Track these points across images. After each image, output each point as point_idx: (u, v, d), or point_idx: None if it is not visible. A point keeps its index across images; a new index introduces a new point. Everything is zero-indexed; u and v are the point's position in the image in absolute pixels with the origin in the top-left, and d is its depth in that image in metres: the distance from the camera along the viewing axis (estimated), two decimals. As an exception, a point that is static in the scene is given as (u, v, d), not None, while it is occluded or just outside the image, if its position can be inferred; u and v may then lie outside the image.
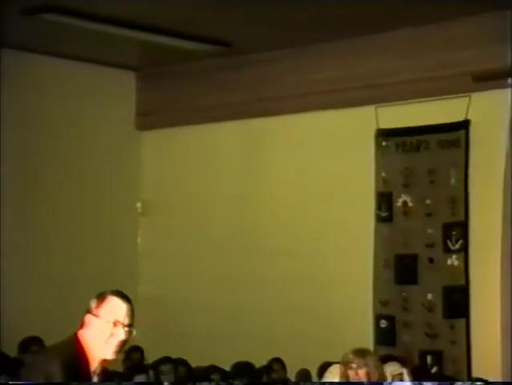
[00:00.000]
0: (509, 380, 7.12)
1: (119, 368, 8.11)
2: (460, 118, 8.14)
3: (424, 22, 8.04)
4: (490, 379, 7.31)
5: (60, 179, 9.34)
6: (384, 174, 8.61)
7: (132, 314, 4.27)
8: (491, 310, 7.76)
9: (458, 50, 8.01)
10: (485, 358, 7.85)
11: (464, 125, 8.14)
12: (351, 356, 5.98)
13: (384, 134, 8.58)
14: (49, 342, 6.16)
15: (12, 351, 7.69)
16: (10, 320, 8.11)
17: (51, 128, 9.29)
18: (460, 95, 8.06)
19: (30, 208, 9.24)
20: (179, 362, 8.37)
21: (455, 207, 8.22)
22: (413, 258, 8.40)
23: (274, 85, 9.12)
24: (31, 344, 7.69)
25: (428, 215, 8.36)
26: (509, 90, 7.86)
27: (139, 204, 9.91)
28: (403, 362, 7.34)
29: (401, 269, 8.46)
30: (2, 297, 8.18)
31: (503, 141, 7.82)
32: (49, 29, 8.27)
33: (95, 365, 4.21)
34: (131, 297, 10.67)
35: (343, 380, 6.11)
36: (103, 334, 4.15)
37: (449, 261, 8.23)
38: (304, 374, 8.10)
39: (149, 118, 9.91)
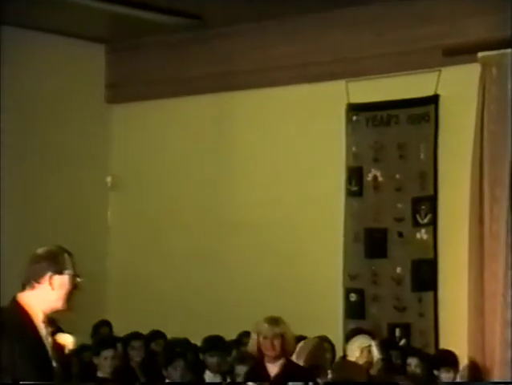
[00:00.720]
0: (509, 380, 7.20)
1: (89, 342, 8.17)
2: (430, 93, 8.19)
3: None
4: (456, 351, 7.48)
5: (28, 152, 9.25)
6: (354, 149, 8.64)
7: (74, 264, 4.36)
8: (459, 283, 7.86)
9: (428, 24, 8.03)
10: (453, 331, 7.94)
11: (433, 100, 8.18)
12: (266, 325, 5.93)
13: (354, 108, 8.60)
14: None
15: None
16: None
17: (19, 101, 9.17)
18: (430, 69, 8.11)
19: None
20: (150, 338, 8.34)
21: (424, 181, 8.27)
22: (383, 232, 8.46)
23: (245, 59, 9.09)
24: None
25: (398, 189, 8.40)
26: (478, 64, 7.81)
27: (109, 179, 9.86)
28: (372, 335, 7.48)
29: (371, 243, 8.51)
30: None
31: (472, 116, 7.86)
32: (17, 0, 8.21)
33: (40, 317, 4.29)
34: (101, 271, 10.42)
35: (255, 349, 6.03)
36: (42, 291, 4.27)
37: (418, 235, 8.28)
38: (245, 334, 7.95)
39: (119, 91, 9.85)
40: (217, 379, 7.54)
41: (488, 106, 7.82)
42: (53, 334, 4.36)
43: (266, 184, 9.09)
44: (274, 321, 5.97)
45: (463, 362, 7.52)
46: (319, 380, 6.77)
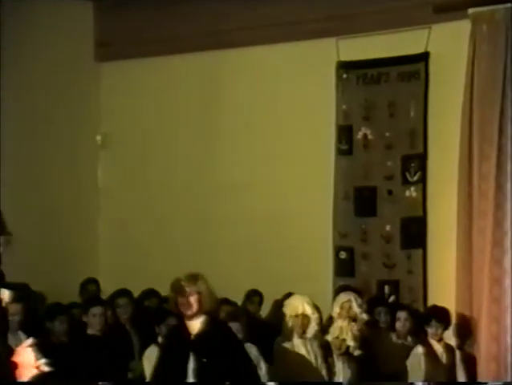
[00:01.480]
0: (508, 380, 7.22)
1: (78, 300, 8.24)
2: (420, 50, 8.20)
3: None
4: (445, 306, 7.55)
5: (19, 110, 9.16)
6: (344, 107, 8.65)
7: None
8: (447, 240, 7.94)
9: None
10: (441, 287, 8.01)
11: (424, 57, 8.20)
12: (183, 282, 5.78)
13: (344, 66, 8.61)
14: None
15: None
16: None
17: (9, 60, 9.02)
18: (420, 26, 8.11)
19: None
20: (143, 296, 8.34)
21: (414, 139, 8.32)
22: (372, 190, 8.50)
23: (234, 17, 9.05)
24: None
25: (388, 147, 8.45)
26: (468, 21, 7.81)
27: (99, 137, 9.85)
28: (358, 292, 7.60)
29: (360, 201, 8.55)
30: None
31: (462, 73, 7.89)
32: None
33: None
34: (91, 230, 10.33)
35: (173, 309, 5.90)
36: None
37: (408, 193, 8.33)
38: (253, 293, 8.33)
39: (108, 49, 9.79)
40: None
41: (478, 63, 7.83)
42: None
43: (255, 142, 9.09)
44: (191, 278, 5.79)
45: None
46: None
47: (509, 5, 7.72)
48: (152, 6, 9.47)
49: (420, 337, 7.47)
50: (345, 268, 8.62)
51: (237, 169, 9.13)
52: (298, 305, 7.09)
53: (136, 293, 8.31)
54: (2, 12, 9.15)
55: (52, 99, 9.44)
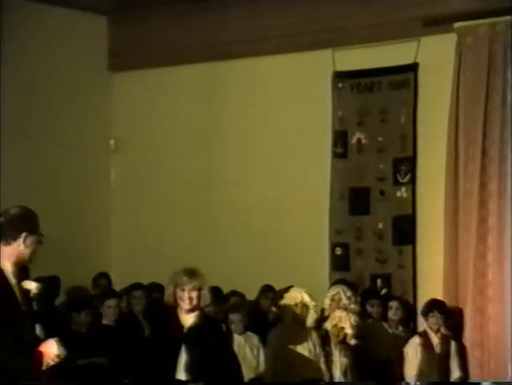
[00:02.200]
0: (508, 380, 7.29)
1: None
2: (409, 61, 8.25)
3: None
4: (432, 296, 7.65)
5: (36, 116, 9.20)
6: (340, 113, 8.70)
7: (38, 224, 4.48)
8: (435, 236, 7.99)
9: None
10: (429, 280, 8.06)
11: (413, 67, 8.27)
12: (184, 278, 5.65)
13: (340, 76, 8.65)
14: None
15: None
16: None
17: (28, 69, 9.13)
18: (410, 39, 8.16)
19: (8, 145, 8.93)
20: (151, 288, 8.42)
21: (404, 143, 8.37)
22: (366, 191, 8.55)
23: (237, 29, 9.08)
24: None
25: (380, 151, 8.49)
26: (455, 34, 7.91)
27: (112, 142, 9.86)
28: (351, 285, 7.64)
29: (355, 200, 8.59)
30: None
31: (449, 82, 7.94)
32: None
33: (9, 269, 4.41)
34: (104, 228, 9.66)
35: (171, 301, 5.72)
36: (16, 247, 4.42)
37: (398, 193, 8.38)
38: (267, 289, 8.27)
39: (121, 60, 9.81)
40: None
41: (463, 73, 7.90)
42: (20, 281, 4.50)
43: (256, 146, 9.12)
44: (193, 273, 5.67)
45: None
46: None
47: (491, 20, 7.78)
48: (161, 19, 9.48)
49: (416, 327, 7.66)
50: (340, 263, 8.66)
51: (240, 171, 9.15)
52: (297, 295, 7.08)
53: (146, 281, 8.33)
54: (14, 22, 9.01)
55: (68, 106, 9.47)
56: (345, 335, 7.17)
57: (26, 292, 4.53)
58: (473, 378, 7.62)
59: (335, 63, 8.61)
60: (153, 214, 9.58)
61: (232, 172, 9.19)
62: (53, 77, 9.35)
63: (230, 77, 9.24)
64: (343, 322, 7.10)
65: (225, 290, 8.40)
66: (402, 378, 7.44)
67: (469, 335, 7.76)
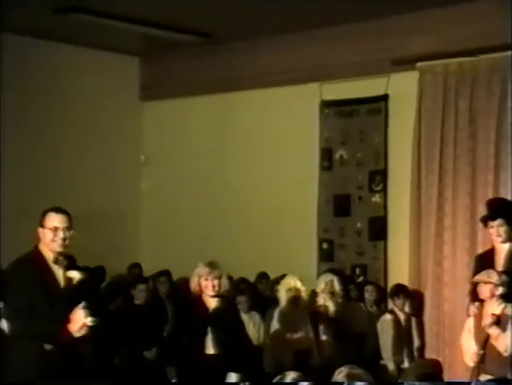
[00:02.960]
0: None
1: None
2: (381, 92, 8.37)
3: (355, 18, 8.18)
4: (399, 282, 7.74)
5: (80, 139, 9.37)
6: (326, 134, 8.81)
7: (66, 220, 4.59)
8: (402, 234, 8.10)
9: (381, 41, 8.21)
10: (397, 269, 8.17)
11: (384, 98, 8.39)
12: (207, 269, 5.67)
13: (326, 104, 8.77)
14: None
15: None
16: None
17: (74, 101, 9.29)
18: (382, 75, 8.27)
19: (59, 155, 9.10)
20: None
21: (378, 159, 8.46)
22: (347, 197, 8.64)
23: (241, 67, 9.17)
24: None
25: (358, 165, 8.60)
26: (416, 71, 7.99)
27: (142, 157, 10.00)
28: (339, 273, 7.83)
29: (338, 205, 8.69)
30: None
31: (413, 110, 8.04)
32: (72, 23, 8.34)
33: (51, 258, 4.57)
34: (135, 229, 9.74)
35: (196, 290, 5.73)
36: (49, 236, 4.59)
37: (373, 199, 8.47)
38: (263, 276, 8.51)
39: (150, 92, 9.97)
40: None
41: (424, 102, 8.00)
42: (68, 269, 4.64)
43: (259, 161, 9.21)
44: (213, 265, 5.72)
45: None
46: None
47: (445, 60, 7.83)
48: (183, 58, 9.56)
49: (386, 307, 7.69)
50: (326, 255, 8.75)
51: (246, 181, 9.24)
52: (291, 282, 7.25)
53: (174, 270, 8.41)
54: (64, 61, 9.06)
55: (106, 129, 9.60)
56: (328, 311, 7.25)
57: (70, 279, 4.63)
58: (429, 347, 7.66)
59: (322, 94, 8.73)
60: (176, 216, 9.65)
61: (240, 181, 9.26)
62: (95, 105, 9.49)
63: (238, 105, 9.35)
64: (328, 301, 7.28)
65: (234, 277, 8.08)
66: (375, 347, 7.41)
67: (429, 313, 7.83)
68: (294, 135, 8.96)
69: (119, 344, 7.29)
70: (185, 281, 6.52)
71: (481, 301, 5.90)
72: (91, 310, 4.54)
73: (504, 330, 5.71)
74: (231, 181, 9.37)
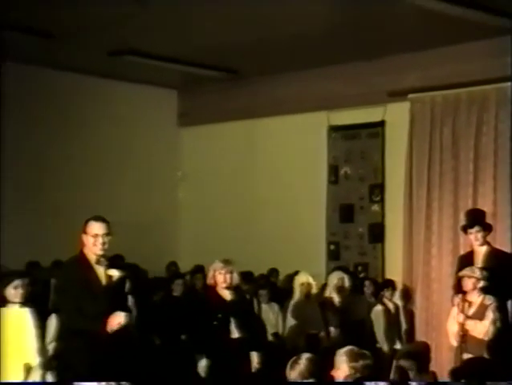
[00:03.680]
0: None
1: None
2: (379, 119, 8.45)
3: (357, 58, 8.25)
4: (396, 279, 7.76)
5: (127, 161, 9.40)
6: (333, 154, 8.91)
7: (104, 227, 4.54)
8: (397, 238, 8.19)
9: (379, 76, 8.29)
10: (393, 267, 8.25)
11: (381, 124, 8.48)
12: (221, 264, 5.62)
13: (333, 129, 8.86)
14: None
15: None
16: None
17: (125, 126, 9.38)
18: (379, 104, 8.36)
19: (103, 175, 9.11)
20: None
21: (376, 174, 8.56)
22: (351, 206, 8.73)
23: (263, 97, 9.24)
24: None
25: (360, 179, 8.68)
26: (408, 102, 8.02)
27: (179, 173, 10.06)
28: (346, 270, 7.92)
29: (343, 213, 8.78)
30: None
31: (405, 133, 8.14)
32: (122, 63, 8.41)
33: (93, 260, 4.56)
34: (174, 233, 9.68)
35: (211, 283, 5.64)
36: (90, 241, 4.59)
37: (373, 208, 8.55)
38: (273, 271, 8.63)
39: (186, 118, 10.03)
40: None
41: (414, 128, 8.07)
42: (108, 268, 4.62)
43: (278, 176, 9.24)
44: (227, 261, 5.67)
45: (399, 286, 7.91)
46: None
47: (432, 93, 7.89)
48: (214, 90, 9.59)
49: (379, 297, 7.63)
50: (334, 255, 8.81)
51: (268, 193, 9.28)
52: (303, 278, 7.40)
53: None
54: (119, 96, 9.14)
55: (149, 150, 9.69)
56: (334, 302, 7.30)
57: (110, 277, 4.61)
58: (419, 331, 7.60)
59: (330, 120, 8.79)
60: (208, 223, 9.73)
61: (261, 193, 9.33)
62: (141, 129, 9.65)
63: (259, 129, 9.42)
64: (334, 293, 7.34)
65: (255, 273, 8.47)
66: (372, 332, 7.36)
67: (419, 303, 7.89)
68: (306, 154, 9.02)
69: (160, 328, 7.26)
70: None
71: (464, 293, 6.01)
72: (125, 311, 4.53)
73: (482, 318, 5.81)
74: (256, 194, 9.38)
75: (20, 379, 4.75)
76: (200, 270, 8.26)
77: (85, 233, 4.64)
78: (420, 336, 7.67)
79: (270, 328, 7.27)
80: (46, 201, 8.53)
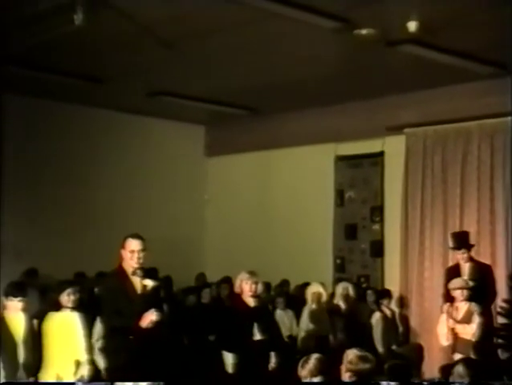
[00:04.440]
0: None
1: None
2: (379, 150, 8.49)
3: (360, 97, 8.27)
4: (393, 289, 7.81)
5: (161, 186, 9.41)
6: (339, 180, 8.93)
7: (140, 244, 4.50)
8: (394, 252, 8.21)
9: (378, 113, 8.33)
10: (391, 278, 8.25)
11: (381, 154, 8.51)
12: (247, 275, 5.57)
13: (339, 158, 8.88)
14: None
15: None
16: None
17: (157, 157, 9.41)
18: (379, 137, 8.40)
19: (144, 196, 9.15)
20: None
21: (377, 198, 8.57)
22: (355, 226, 8.74)
23: (279, 131, 9.29)
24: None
25: (363, 202, 8.70)
26: (404, 135, 8.14)
27: (206, 196, 10.10)
28: (353, 282, 8.05)
29: (348, 231, 8.79)
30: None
31: (402, 163, 8.20)
32: (156, 102, 8.45)
33: (130, 272, 4.55)
34: (202, 246, 9.76)
35: (238, 291, 5.58)
36: (128, 256, 4.58)
37: (374, 227, 8.57)
38: (285, 282, 8.55)
39: (212, 149, 10.12)
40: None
41: (410, 159, 8.14)
42: (143, 278, 4.60)
43: (290, 198, 9.25)
44: (252, 272, 5.64)
45: (395, 295, 7.93)
46: None
47: (425, 128, 7.94)
48: (234, 125, 9.63)
49: (378, 305, 7.66)
50: (340, 268, 8.81)
51: (282, 213, 9.29)
52: (314, 287, 7.46)
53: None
54: (153, 132, 9.16)
55: (181, 175, 9.68)
56: (341, 309, 7.39)
57: (145, 286, 4.60)
58: (413, 334, 7.64)
59: (336, 151, 8.82)
60: (232, 237, 9.70)
61: (278, 213, 9.34)
62: (173, 159, 9.63)
63: (276, 158, 9.45)
64: (340, 301, 7.43)
65: (272, 283, 8.51)
66: (371, 335, 7.29)
67: (413, 309, 7.93)
68: (316, 180, 9.06)
69: (190, 330, 7.33)
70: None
71: (452, 301, 6.09)
72: (158, 310, 4.53)
73: (469, 322, 5.90)
74: (271, 214, 9.44)
75: (71, 373, 4.87)
76: (226, 281, 8.24)
77: (123, 248, 4.68)
78: (414, 338, 7.74)
79: (284, 331, 7.25)
80: (92, 223, 8.71)
